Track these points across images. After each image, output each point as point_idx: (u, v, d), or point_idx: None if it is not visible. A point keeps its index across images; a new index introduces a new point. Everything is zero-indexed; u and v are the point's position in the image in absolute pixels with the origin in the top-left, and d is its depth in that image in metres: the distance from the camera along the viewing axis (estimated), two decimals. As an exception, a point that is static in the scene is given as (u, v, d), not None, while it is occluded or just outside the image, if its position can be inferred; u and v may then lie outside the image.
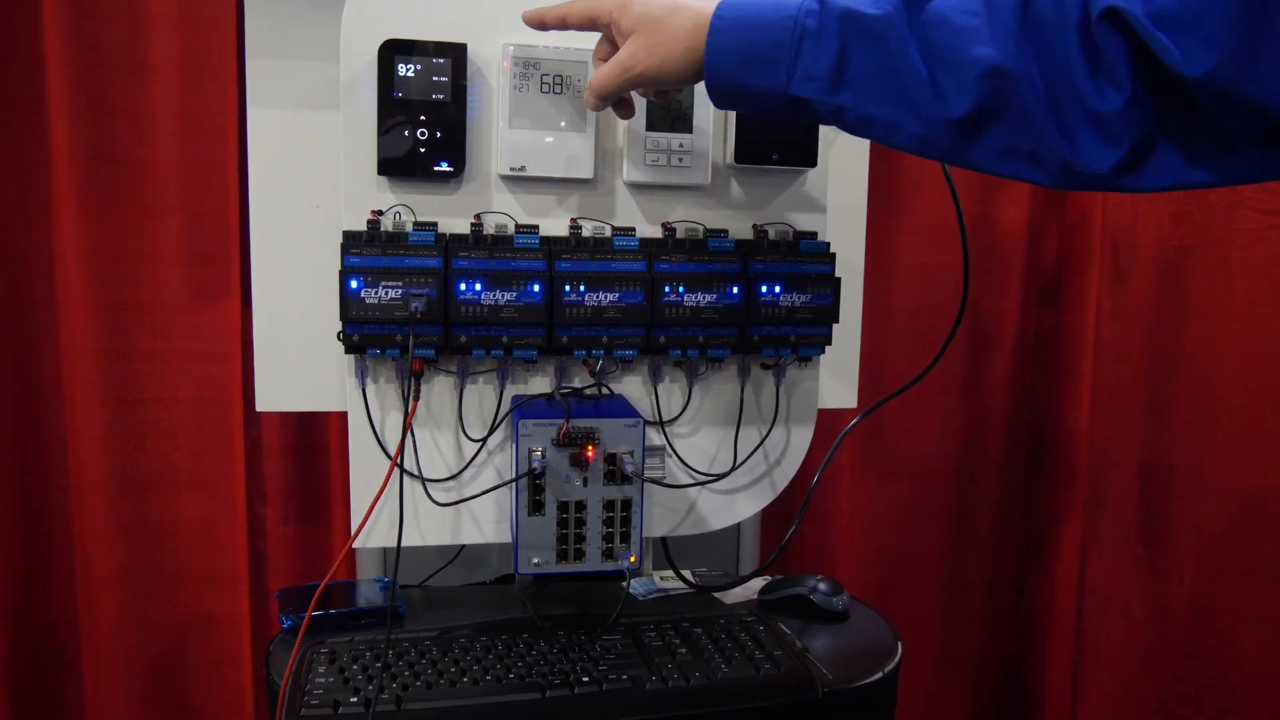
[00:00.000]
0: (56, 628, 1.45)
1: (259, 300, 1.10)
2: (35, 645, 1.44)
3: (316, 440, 1.49)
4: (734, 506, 1.10)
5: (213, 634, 1.47)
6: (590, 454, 0.93)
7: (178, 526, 1.44)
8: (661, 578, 1.15)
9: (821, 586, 1.09)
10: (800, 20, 0.73)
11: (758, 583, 1.14)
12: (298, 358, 1.09)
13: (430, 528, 1.03)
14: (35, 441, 1.41)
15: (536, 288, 0.96)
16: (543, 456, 0.92)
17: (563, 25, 0.88)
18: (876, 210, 1.32)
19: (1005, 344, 1.65)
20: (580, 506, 0.94)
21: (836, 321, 1.04)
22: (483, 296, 0.95)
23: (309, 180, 1.08)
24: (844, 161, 1.18)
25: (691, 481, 1.07)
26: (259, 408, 1.13)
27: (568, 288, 0.96)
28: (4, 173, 1.34)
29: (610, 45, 0.86)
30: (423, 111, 0.95)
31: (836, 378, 1.22)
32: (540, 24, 0.89)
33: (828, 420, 1.19)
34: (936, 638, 1.69)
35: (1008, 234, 1.62)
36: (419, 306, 0.93)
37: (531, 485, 0.93)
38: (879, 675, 0.97)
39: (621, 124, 0.99)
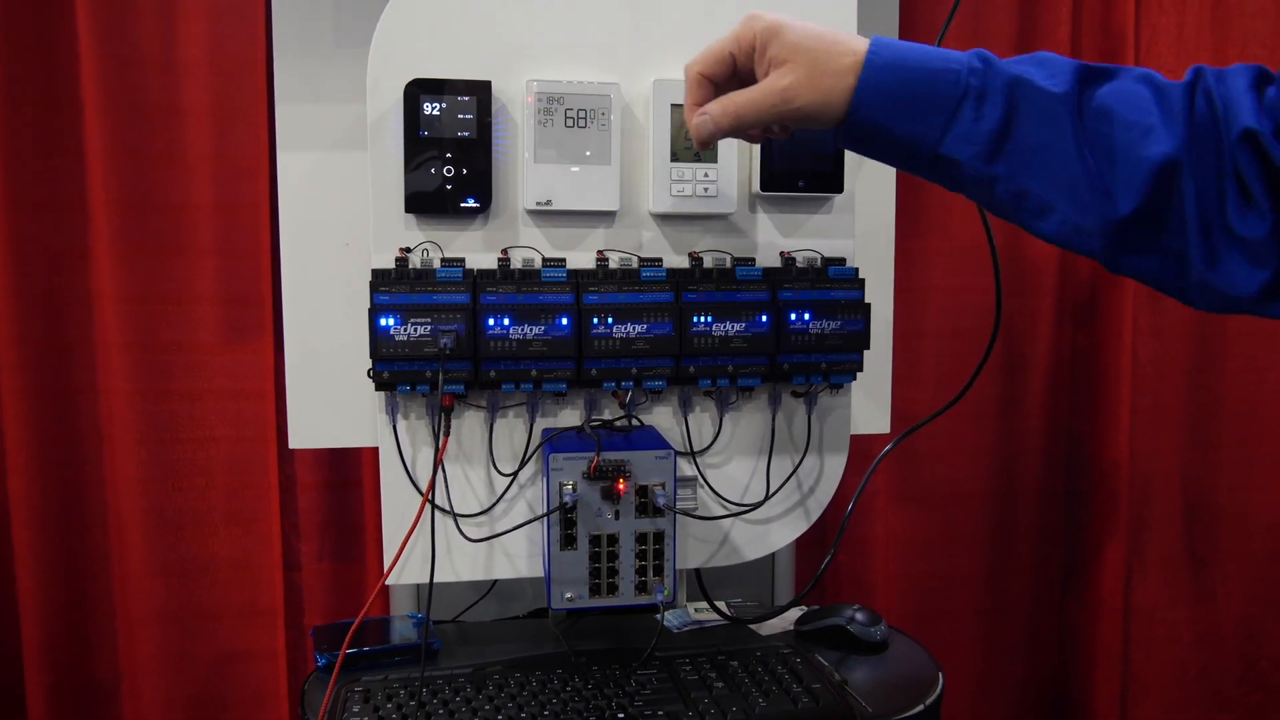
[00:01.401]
0: (96, 665, 1.46)
1: (290, 337, 1.11)
2: (75, 683, 1.45)
3: (350, 475, 1.49)
4: (768, 536, 1.09)
5: (249, 670, 1.47)
6: (621, 487, 0.92)
7: (214, 563, 1.45)
8: (696, 609, 1.14)
9: (859, 616, 1.08)
10: (965, 76, 0.68)
11: (794, 613, 1.13)
12: (329, 394, 1.10)
13: (463, 563, 1.02)
14: (75, 481, 1.42)
15: (565, 321, 0.96)
16: (574, 490, 0.92)
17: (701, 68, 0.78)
18: (905, 233, 1.32)
19: (1040, 365, 1.62)
20: (612, 540, 0.94)
21: (867, 348, 1.03)
22: (511, 331, 0.95)
23: (338, 219, 1.10)
24: (871, 186, 1.18)
25: (724, 513, 1.06)
26: (291, 444, 1.14)
27: (596, 320, 0.96)
28: (43, 217, 1.37)
29: (725, 86, 0.77)
30: (449, 149, 0.95)
31: (869, 402, 1.21)
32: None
33: (861, 445, 1.18)
34: (977, 665, 1.66)
35: (1039, 254, 1.60)
36: (448, 343, 0.93)
37: (563, 519, 0.93)
38: (920, 708, 0.95)
39: (649, 156, 0.99)
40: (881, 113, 0.70)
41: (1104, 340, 1.61)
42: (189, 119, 1.38)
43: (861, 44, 0.71)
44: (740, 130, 0.77)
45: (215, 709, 1.48)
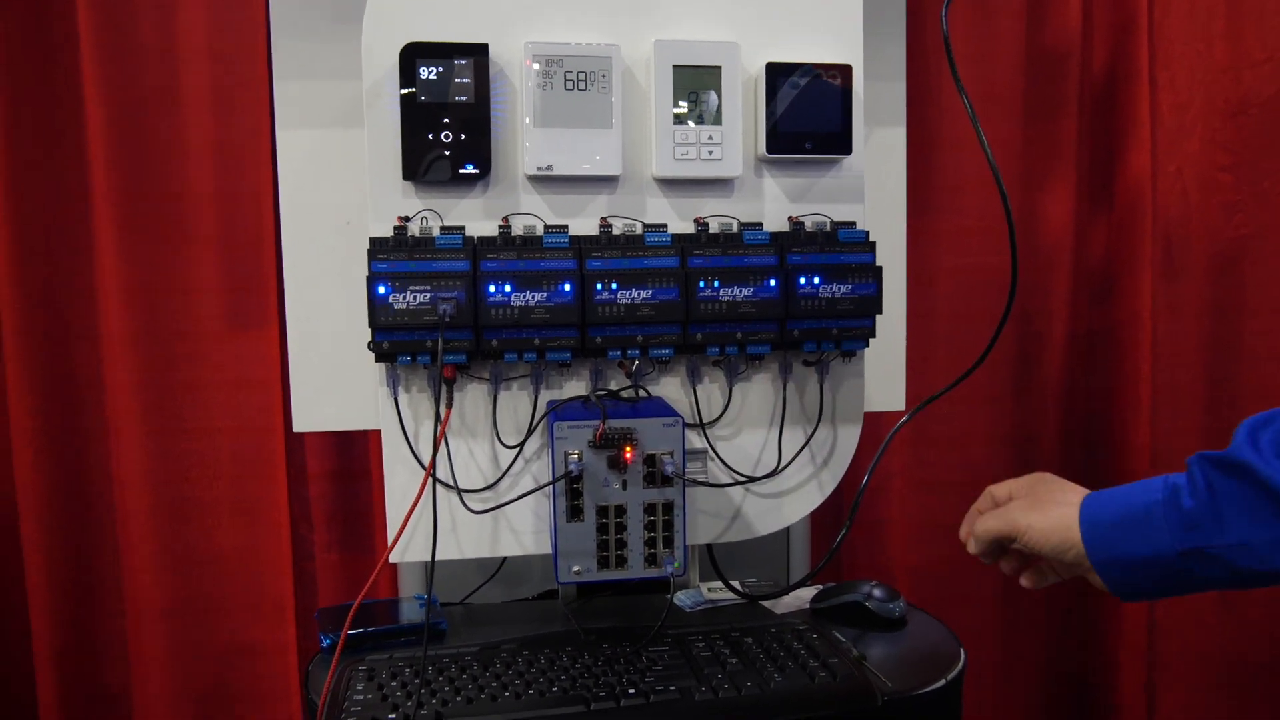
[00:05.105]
0: (106, 664, 1.44)
1: (293, 321, 1.10)
2: (85, 679, 1.43)
3: (359, 464, 1.48)
4: (781, 510, 1.06)
5: (259, 662, 1.45)
6: (629, 455, 0.90)
7: (223, 555, 1.43)
8: (709, 589, 1.12)
9: (877, 593, 1.05)
10: (1169, 480, 0.74)
11: (809, 592, 1.10)
12: (334, 376, 1.08)
13: (468, 540, 1.00)
14: (81, 475, 1.41)
15: (567, 287, 0.93)
16: (579, 459, 0.89)
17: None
18: (914, 210, 1.29)
19: (1057, 344, 1.59)
20: (620, 511, 0.91)
21: (880, 312, 1.00)
22: (513, 298, 0.93)
23: (339, 198, 1.08)
24: (881, 161, 1.15)
25: (731, 481, 1.03)
26: (296, 428, 1.12)
27: (599, 286, 0.94)
28: (46, 209, 1.36)
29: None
30: (446, 114, 0.93)
31: (883, 379, 1.18)
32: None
33: (876, 426, 1.15)
34: (999, 652, 1.62)
35: (1053, 232, 1.57)
36: (448, 310, 0.91)
37: (569, 490, 0.90)
38: (941, 683, 0.92)
39: (651, 117, 0.97)
40: (1113, 538, 0.76)
41: (1123, 318, 1.58)
42: (189, 107, 1.37)
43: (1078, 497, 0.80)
44: (983, 545, 0.88)
45: (225, 702, 1.46)
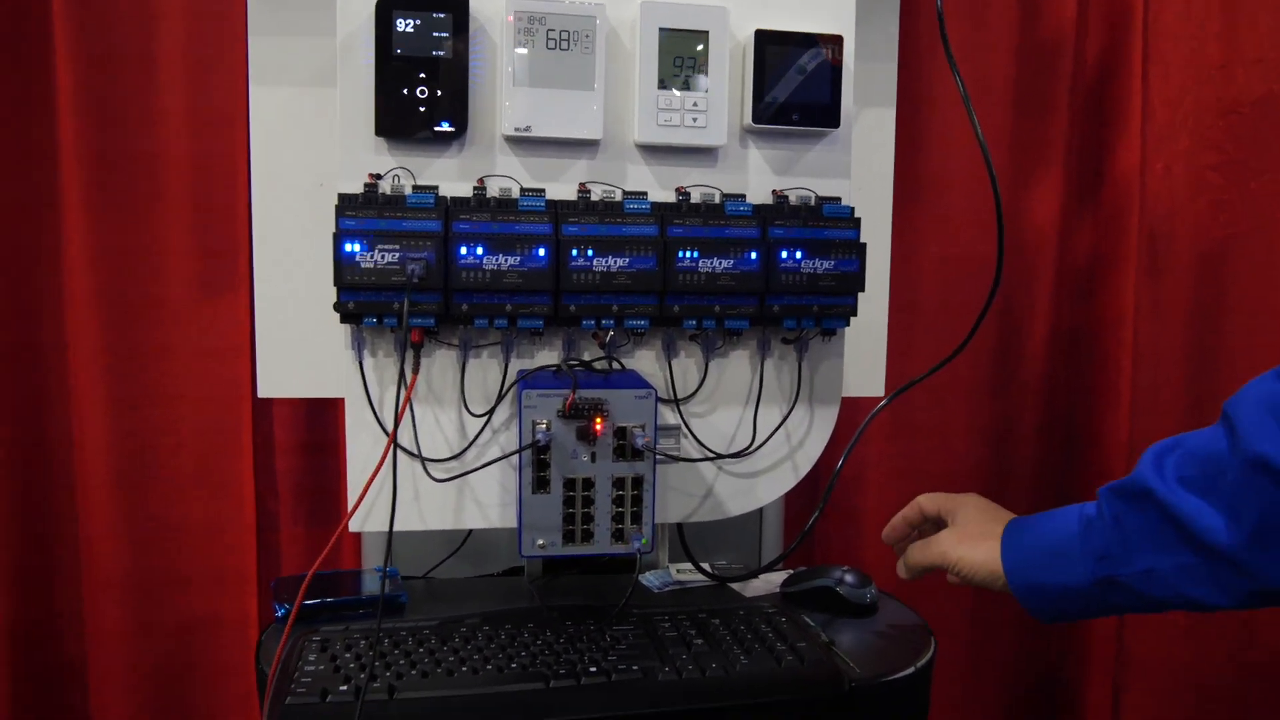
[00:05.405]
0: (61, 633, 1.40)
1: (261, 284, 1.06)
2: (40, 651, 1.39)
3: (329, 437, 1.44)
4: (754, 491, 1.04)
5: (220, 637, 1.42)
6: (598, 427, 0.87)
7: (185, 525, 1.39)
8: (678, 570, 1.09)
9: (848, 578, 1.03)
10: (1084, 511, 0.78)
11: (780, 575, 1.08)
12: (301, 342, 1.05)
13: (431, 511, 0.97)
14: (40, 440, 1.37)
15: (541, 252, 0.90)
16: (547, 429, 0.87)
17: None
18: (903, 202, 1.27)
19: (1038, 341, 1.58)
20: (588, 484, 0.89)
21: (862, 289, 0.98)
22: (484, 261, 0.90)
23: (312, 159, 1.05)
24: (870, 142, 1.13)
25: (702, 457, 1.00)
26: (260, 393, 1.09)
27: (575, 252, 0.91)
28: (10, 168, 1.31)
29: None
30: (423, 69, 0.90)
31: (863, 364, 1.16)
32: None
33: (855, 412, 1.13)
34: (968, 646, 1.61)
35: (1040, 226, 1.55)
36: (416, 270, 0.88)
37: (536, 460, 0.87)
38: (910, 670, 0.90)
39: (634, 81, 0.94)
40: (1030, 569, 0.80)
41: (1105, 318, 1.57)
42: (165, 68, 1.33)
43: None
44: (915, 572, 0.94)
45: (184, 676, 1.42)
